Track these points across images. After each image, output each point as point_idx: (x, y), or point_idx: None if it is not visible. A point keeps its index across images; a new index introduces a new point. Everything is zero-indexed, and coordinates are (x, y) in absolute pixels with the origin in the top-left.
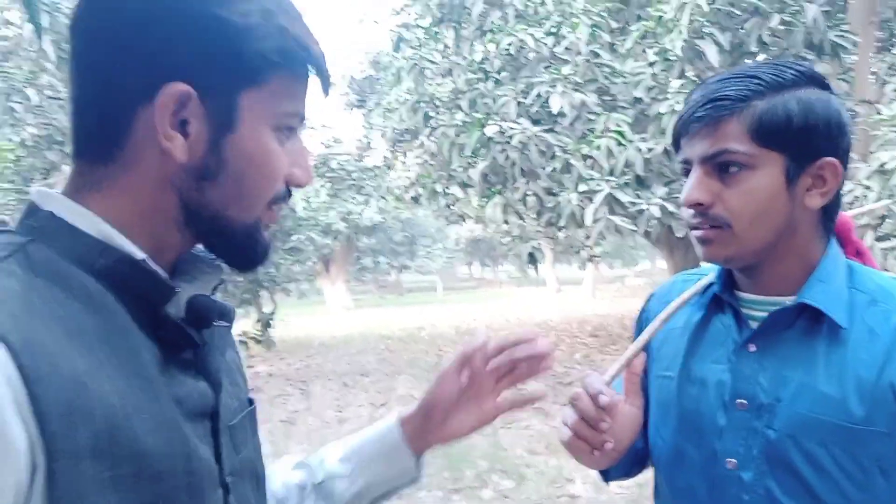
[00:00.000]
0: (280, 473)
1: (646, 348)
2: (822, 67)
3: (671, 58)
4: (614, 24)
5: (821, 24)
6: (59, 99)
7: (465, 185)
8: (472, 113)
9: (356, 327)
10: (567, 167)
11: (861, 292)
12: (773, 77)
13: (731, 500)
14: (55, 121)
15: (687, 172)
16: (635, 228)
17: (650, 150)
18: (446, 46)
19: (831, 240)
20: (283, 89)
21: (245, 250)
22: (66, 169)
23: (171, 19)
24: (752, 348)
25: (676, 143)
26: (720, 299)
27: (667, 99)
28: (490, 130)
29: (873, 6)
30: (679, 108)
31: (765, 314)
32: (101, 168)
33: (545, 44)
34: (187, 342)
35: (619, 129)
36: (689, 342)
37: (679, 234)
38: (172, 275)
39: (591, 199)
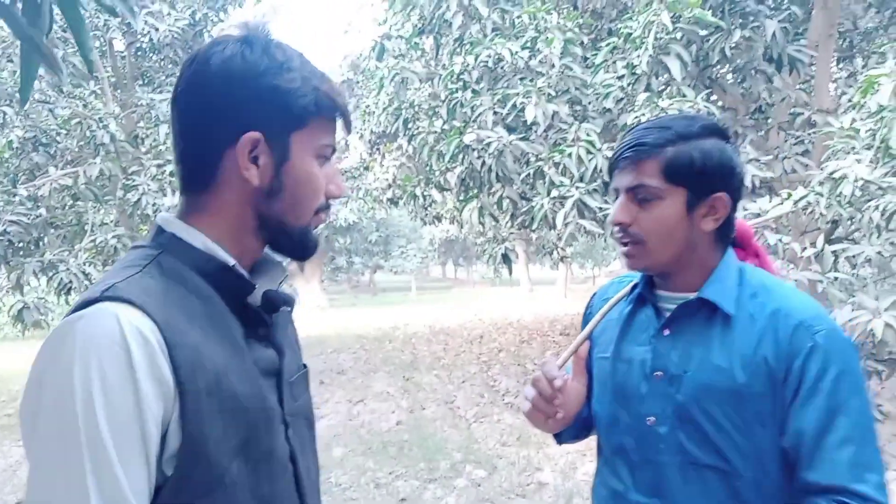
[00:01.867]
0: None
1: (590, 337)
2: (781, 80)
3: (637, 72)
4: (586, 39)
5: (779, 39)
6: (47, 103)
7: (442, 189)
8: (451, 121)
9: (331, 326)
10: (540, 173)
11: (748, 288)
12: (683, 129)
13: (652, 449)
14: (42, 123)
15: (616, 198)
16: (602, 231)
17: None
18: (427, 56)
19: (728, 249)
20: (319, 130)
21: (301, 245)
22: (52, 171)
23: (243, 90)
24: (667, 332)
25: (610, 174)
26: (643, 296)
27: (633, 110)
28: (468, 138)
29: (832, 19)
30: (644, 118)
31: (675, 307)
32: (202, 196)
33: (521, 57)
34: (262, 322)
35: (588, 138)
36: (620, 330)
37: None
38: (252, 273)
39: (562, 204)
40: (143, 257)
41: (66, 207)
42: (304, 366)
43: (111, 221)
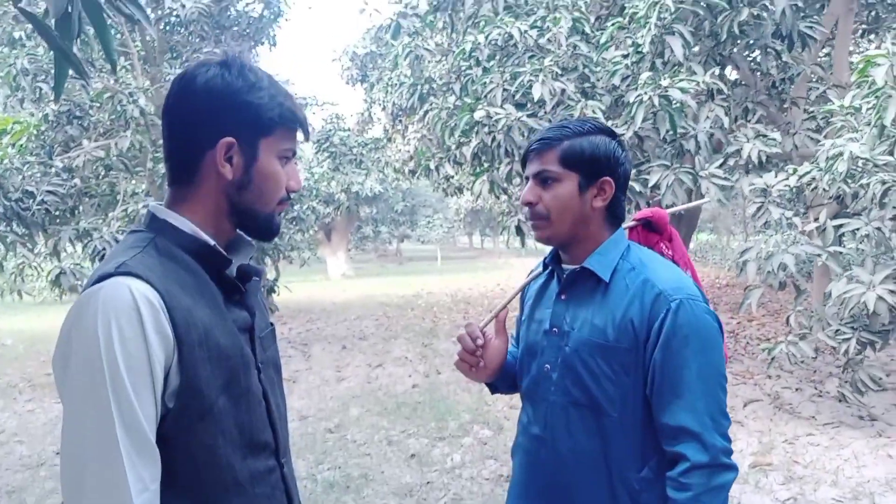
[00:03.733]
0: None
1: (521, 303)
2: (795, 56)
3: (642, 51)
4: (593, 19)
5: (789, 17)
6: (79, 79)
7: (457, 163)
8: (463, 97)
9: (356, 294)
10: None
11: (628, 262)
12: (577, 127)
13: (546, 391)
14: (75, 97)
15: (527, 183)
16: None
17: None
18: (446, 29)
19: (619, 230)
20: (282, 137)
21: (266, 228)
22: (86, 143)
23: (222, 103)
24: (563, 297)
25: (522, 167)
26: (552, 269)
27: (636, 89)
28: (478, 114)
29: None
30: (647, 98)
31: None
32: (185, 188)
33: (530, 35)
34: (237, 290)
35: (594, 115)
36: (534, 297)
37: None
38: (227, 250)
39: None
40: (141, 240)
41: (100, 178)
42: (272, 324)
43: (141, 191)
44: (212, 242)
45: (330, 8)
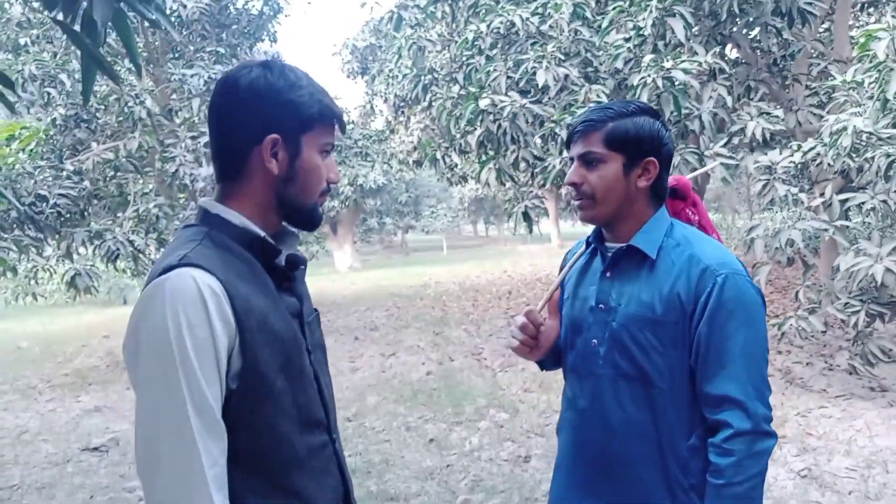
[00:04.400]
0: None
1: (561, 284)
2: (795, 33)
3: (644, 34)
4: (594, 3)
5: None
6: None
7: (462, 152)
8: (467, 86)
9: (365, 286)
10: (553, 135)
11: (672, 239)
12: (621, 109)
13: (593, 364)
14: (82, 101)
15: (571, 163)
16: None
17: None
18: (446, 18)
19: (661, 207)
20: (322, 132)
21: (310, 219)
22: (94, 146)
23: (266, 103)
24: (608, 275)
25: (567, 147)
26: (596, 247)
27: (640, 72)
28: (483, 103)
29: None
30: (650, 80)
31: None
32: (234, 183)
33: (532, 23)
34: (286, 278)
35: (598, 99)
36: (578, 275)
37: None
38: (275, 241)
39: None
40: (197, 233)
41: (108, 179)
42: (316, 310)
43: (151, 191)
44: (262, 233)
45: (329, 2)
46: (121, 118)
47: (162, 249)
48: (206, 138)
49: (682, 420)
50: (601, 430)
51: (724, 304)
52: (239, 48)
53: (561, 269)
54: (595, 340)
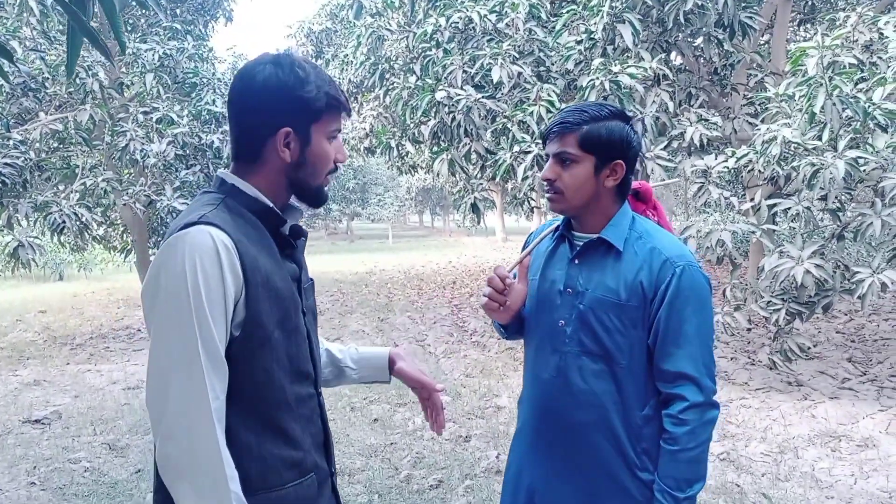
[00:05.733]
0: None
1: (530, 254)
2: (736, 44)
3: (595, 38)
4: (549, 4)
5: (731, 7)
6: (39, 51)
7: (416, 142)
8: (424, 78)
9: (310, 271)
10: (504, 130)
11: (635, 232)
12: (595, 112)
13: (559, 343)
14: (32, 70)
15: (546, 160)
16: None
17: None
18: (404, 7)
19: (625, 203)
20: (329, 120)
21: (316, 198)
22: (43, 116)
23: (279, 99)
24: (577, 262)
25: (543, 144)
26: (563, 234)
27: (589, 73)
28: (439, 95)
29: None
30: (598, 83)
31: (583, 243)
32: (249, 164)
33: (489, 20)
34: (290, 245)
35: (549, 98)
36: (545, 259)
37: None
38: (282, 213)
39: (523, 158)
40: (214, 199)
41: (53, 151)
42: (311, 279)
43: (100, 165)
44: (270, 204)
45: None
46: (71, 89)
47: (105, 225)
48: (158, 114)
49: (638, 392)
50: (563, 399)
51: (681, 291)
52: (194, 25)
53: (527, 241)
54: (562, 321)
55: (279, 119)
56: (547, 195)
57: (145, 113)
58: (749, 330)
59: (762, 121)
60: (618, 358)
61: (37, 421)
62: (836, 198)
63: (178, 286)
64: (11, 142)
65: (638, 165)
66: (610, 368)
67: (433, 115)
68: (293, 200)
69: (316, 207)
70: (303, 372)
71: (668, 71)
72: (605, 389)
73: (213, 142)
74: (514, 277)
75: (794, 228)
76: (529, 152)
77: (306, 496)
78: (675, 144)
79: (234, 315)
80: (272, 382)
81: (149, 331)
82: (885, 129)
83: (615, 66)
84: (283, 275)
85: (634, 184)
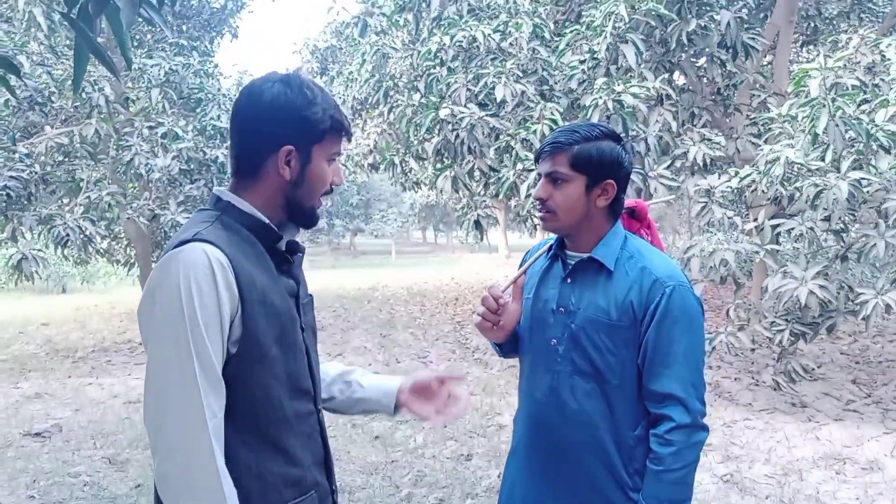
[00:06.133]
0: (332, 365)
1: (525, 274)
2: (739, 65)
3: (598, 58)
4: (553, 25)
5: (734, 29)
6: (46, 66)
7: (419, 158)
8: (428, 95)
9: (311, 287)
10: (508, 147)
11: (627, 252)
12: (587, 132)
13: (552, 362)
14: (39, 84)
15: (539, 180)
16: None
17: None
18: (409, 26)
19: (617, 222)
20: (331, 142)
21: (309, 218)
22: (49, 130)
23: (284, 118)
24: (569, 281)
25: (536, 163)
26: (557, 254)
27: (592, 93)
28: (443, 113)
29: (794, 6)
30: (601, 102)
31: (574, 262)
32: (248, 180)
33: (493, 39)
34: (286, 261)
35: (552, 116)
36: (539, 278)
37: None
38: (278, 229)
39: (526, 176)
40: (210, 216)
41: (58, 164)
42: (311, 295)
43: (105, 179)
44: (266, 220)
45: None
46: (77, 104)
47: (109, 239)
48: (163, 129)
49: (629, 412)
50: (556, 418)
51: (670, 312)
52: (200, 41)
53: (524, 260)
54: (555, 340)
55: (283, 137)
56: (539, 214)
57: (150, 128)
58: (753, 350)
59: (765, 141)
60: (609, 378)
61: (37, 434)
62: (839, 219)
63: (173, 304)
64: (17, 155)
65: (641, 185)
66: (601, 388)
67: (437, 132)
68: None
69: (307, 228)
70: (302, 389)
71: (671, 91)
72: (596, 409)
73: (217, 157)
74: (510, 297)
75: (798, 249)
76: (532, 170)
77: None
78: (678, 164)
79: (230, 332)
80: (270, 399)
81: (146, 349)
82: (888, 151)
83: (618, 85)
84: (279, 291)
85: (629, 202)
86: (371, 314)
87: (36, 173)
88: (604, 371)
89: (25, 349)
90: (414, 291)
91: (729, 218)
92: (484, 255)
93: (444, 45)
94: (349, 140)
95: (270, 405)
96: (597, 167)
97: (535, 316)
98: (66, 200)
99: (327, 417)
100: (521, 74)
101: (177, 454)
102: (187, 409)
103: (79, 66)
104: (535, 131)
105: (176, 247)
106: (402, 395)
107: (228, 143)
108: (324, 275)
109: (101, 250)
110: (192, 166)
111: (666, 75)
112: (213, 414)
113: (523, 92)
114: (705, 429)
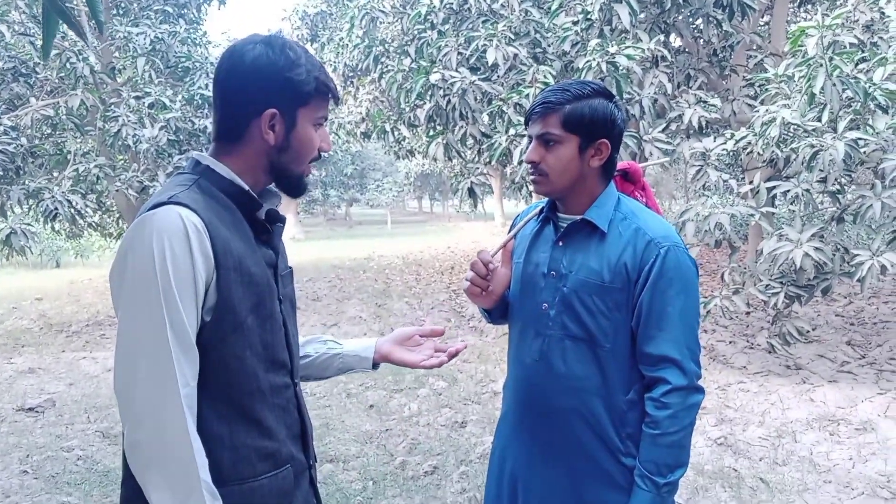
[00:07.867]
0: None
1: (514, 239)
2: (735, 25)
3: (591, 18)
4: None
5: None
6: (28, 35)
7: (412, 125)
8: (419, 60)
9: (307, 257)
10: (500, 112)
11: (620, 213)
12: (578, 91)
13: (543, 326)
14: (22, 54)
15: (530, 142)
16: None
17: None
18: None
19: (611, 183)
20: (317, 106)
21: (296, 186)
22: (34, 101)
23: (267, 79)
24: (560, 244)
25: (526, 125)
26: (548, 216)
27: (585, 55)
28: (434, 77)
29: None
30: (595, 64)
31: (566, 225)
32: (230, 145)
33: (484, 1)
34: (265, 231)
35: (545, 80)
36: (530, 242)
37: None
38: (259, 197)
39: (519, 142)
40: (187, 180)
41: (45, 137)
42: (290, 267)
43: (92, 151)
44: (246, 187)
45: None
46: (62, 74)
47: (100, 212)
48: (150, 99)
49: (622, 377)
50: (546, 384)
51: (665, 273)
52: (187, 8)
53: (513, 223)
54: (546, 304)
55: (266, 99)
56: (531, 177)
57: (137, 98)
58: (748, 313)
59: (761, 102)
60: (601, 341)
61: (31, 409)
62: (835, 180)
63: (145, 268)
64: (3, 128)
65: (636, 148)
66: (593, 352)
67: (428, 98)
68: (272, 186)
69: (295, 196)
70: (278, 360)
71: (666, 52)
72: (587, 373)
73: (206, 127)
74: (499, 262)
75: (794, 211)
76: (525, 135)
77: (281, 488)
78: (673, 127)
79: (205, 299)
80: (245, 370)
81: (116, 315)
82: (885, 110)
83: (612, 47)
84: (257, 260)
85: (622, 164)
86: (366, 284)
87: (23, 146)
88: (596, 335)
89: (19, 324)
90: (409, 261)
91: (724, 181)
92: (480, 223)
93: (434, 7)
94: (336, 103)
95: (245, 376)
96: (590, 127)
97: (525, 280)
98: (54, 174)
99: (322, 388)
100: (513, 37)
101: (147, 422)
102: (159, 376)
103: (48, 30)
104: (527, 95)
105: (150, 209)
106: (382, 348)
107: None
108: (319, 245)
109: (93, 224)
110: (180, 137)
111: (661, 36)
112: (186, 382)
113: (515, 55)
114: (701, 391)
